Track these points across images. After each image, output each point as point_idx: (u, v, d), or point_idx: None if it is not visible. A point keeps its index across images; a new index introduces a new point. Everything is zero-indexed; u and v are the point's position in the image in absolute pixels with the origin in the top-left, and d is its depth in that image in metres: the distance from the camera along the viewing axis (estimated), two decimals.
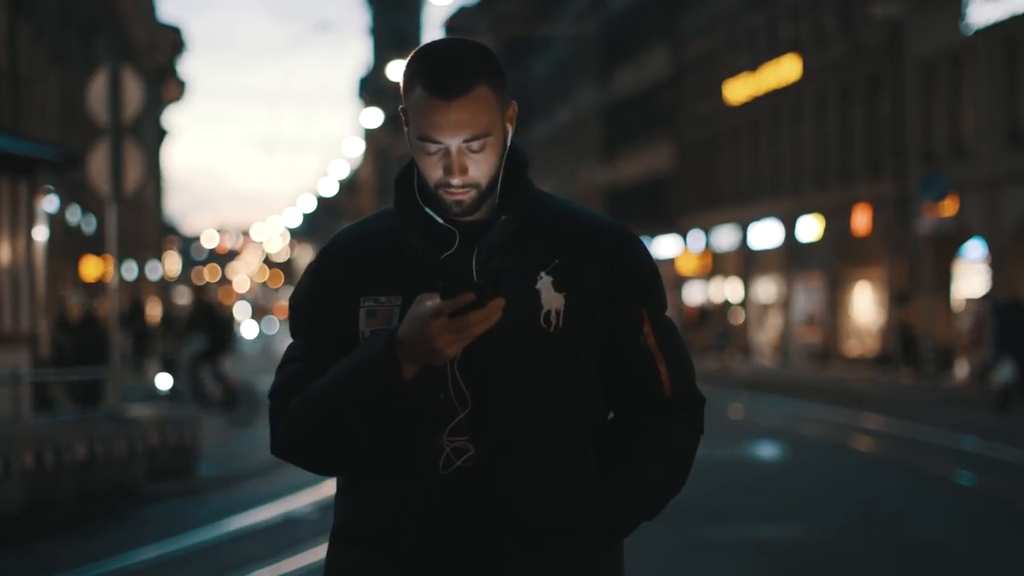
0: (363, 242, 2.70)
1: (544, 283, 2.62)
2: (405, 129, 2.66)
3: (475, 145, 2.58)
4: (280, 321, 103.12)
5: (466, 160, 2.58)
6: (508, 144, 2.66)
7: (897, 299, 33.46)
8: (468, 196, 2.60)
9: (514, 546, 2.58)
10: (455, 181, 2.58)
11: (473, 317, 2.45)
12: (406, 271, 2.63)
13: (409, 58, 2.64)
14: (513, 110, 2.65)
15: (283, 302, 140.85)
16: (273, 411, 2.68)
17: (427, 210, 2.65)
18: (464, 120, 2.56)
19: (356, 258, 2.68)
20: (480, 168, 2.59)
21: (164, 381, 24.68)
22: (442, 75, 2.56)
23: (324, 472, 2.70)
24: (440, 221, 2.64)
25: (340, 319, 2.66)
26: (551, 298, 2.61)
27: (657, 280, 2.72)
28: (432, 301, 2.49)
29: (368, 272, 2.66)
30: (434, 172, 2.60)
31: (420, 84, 2.58)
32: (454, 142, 2.57)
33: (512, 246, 2.63)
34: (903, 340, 32.53)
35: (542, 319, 2.61)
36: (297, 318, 2.73)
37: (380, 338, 2.55)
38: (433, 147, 2.58)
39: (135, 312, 34.96)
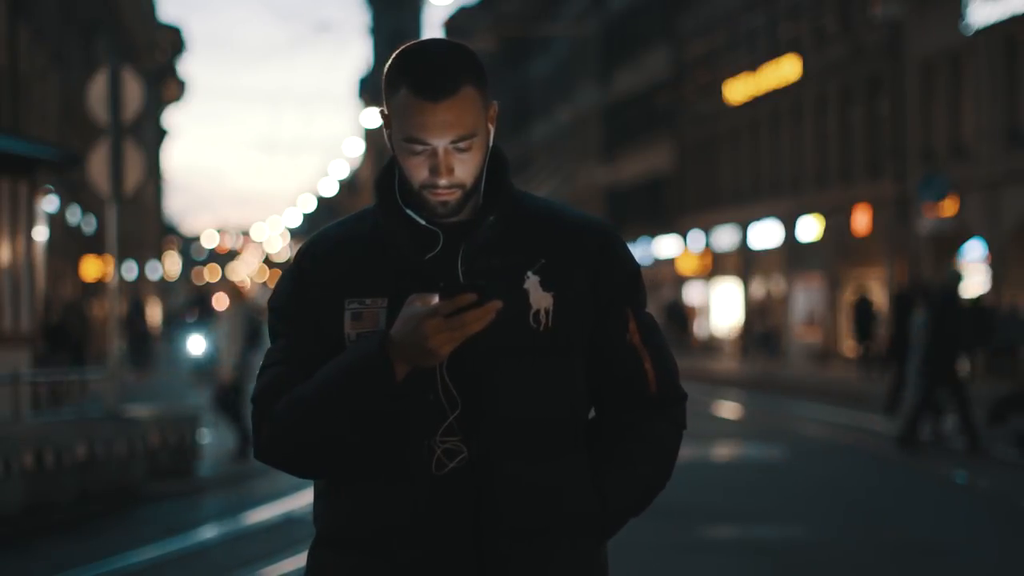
0: (344, 243, 2.68)
1: (531, 283, 2.61)
2: (386, 131, 2.64)
3: (462, 145, 2.57)
4: None
5: (452, 160, 2.57)
6: (491, 144, 2.65)
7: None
8: (454, 197, 2.59)
9: (510, 545, 2.58)
10: (442, 181, 2.57)
11: (468, 316, 2.45)
12: (391, 272, 2.62)
13: (391, 60, 2.62)
14: (494, 110, 2.65)
15: None
16: (256, 416, 2.65)
17: (408, 211, 2.63)
18: (451, 121, 2.55)
19: (338, 259, 2.66)
20: (466, 168, 2.58)
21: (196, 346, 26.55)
22: (429, 76, 2.55)
23: (309, 476, 2.67)
24: (422, 223, 2.62)
25: (323, 321, 2.63)
26: (539, 297, 2.61)
27: (639, 278, 2.73)
28: (425, 301, 2.48)
29: (351, 273, 2.64)
30: (419, 173, 2.58)
31: (405, 86, 2.56)
32: (441, 143, 2.55)
33: (498, 246, 2.62)
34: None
35: (531, 319, 2.60)
36: (277, 321, 2.69)
37: (371, 339, 2.53)
38: (419, 148, 2.57)
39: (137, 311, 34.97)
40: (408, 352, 2.49)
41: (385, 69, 2.63)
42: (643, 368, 2.69)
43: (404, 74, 2.57)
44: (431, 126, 2.55)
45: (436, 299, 2.47)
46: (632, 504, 2.69)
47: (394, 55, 2.62)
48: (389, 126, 2.63)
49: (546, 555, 2.61)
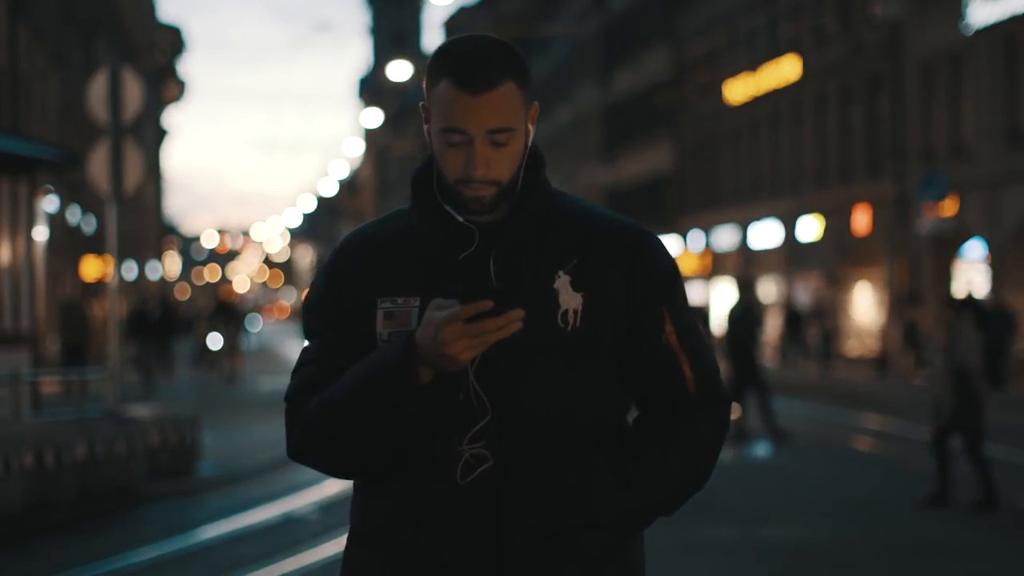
0: (378, 242, 2.67)
1: (562, 282, 2.60)
2: (425, 126, 2.63)
3: (500, 138, 2.56)
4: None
5: (489, 154, 2.56)
6: (529, 144, 2.64)
7: (908, 299, 33.36)
8: (488, 192, 2.58)
9: (532, 549, 2.57)
10: (477, 174, 2.55)
11: (489, 324, 2.44)
12: (424, 271, 2.61)
13: (434, 53, 2.61)
14: (535, 110, 2.64)
15: (282, 302, 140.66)
16: (289, 415, 2.66)
17: (447, 207, 2.62)
18: (490, 111, 2.54)
19: (371, 258, 2.66)
20: (502, 164, 2.57)
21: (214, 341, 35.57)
22: (470, 69, 2.54)
23: (341, 475, 2.68)
24: (460, 219, 2.61)
25: (356, 320, 2.64)
26: (569, 297, 2.59)
27: (677, 278, 2.70)
28: (447, 306, 2.46)
29: (384, 273, 2.64)
30: (455, 166, 2.58)
31: (447, 78, 2.55)
32: (479, 132, 2.54)
33: (530, 245, 2.61)
34: (909, 340, 32.39)
35: (559, 319, 2.59)
36: (311, 320, 2.70)
37: (397, 341, 2.53)
38: (457, 138, 2.56)
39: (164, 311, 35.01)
40: (429, 357, 2.48)
41: (428, 62, 2.62)
42: (680, 369, 2.66)
43: (445, 67, 2.56)
44: (470, 115, 2.54)
45: (457, 304, 2.46)
46: (660, 499, 2.65)
47: (436, 48, 2.62)
48: (428, 120, 2.62)
49: (564, 554, 2.59)
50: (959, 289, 32.28)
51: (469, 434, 2.57)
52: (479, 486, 2.57)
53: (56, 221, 35.13)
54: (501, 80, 2.55)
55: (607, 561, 2.64)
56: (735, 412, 18.52)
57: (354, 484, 2.73)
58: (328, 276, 2.69)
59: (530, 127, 2.63)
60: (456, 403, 2.56)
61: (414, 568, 2.59)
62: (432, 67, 2.59)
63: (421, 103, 2.65)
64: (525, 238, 2.61)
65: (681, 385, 2.66)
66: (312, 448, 2.63)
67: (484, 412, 2.57)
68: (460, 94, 2.54)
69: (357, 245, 2.69)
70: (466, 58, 2.55)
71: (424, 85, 2.62)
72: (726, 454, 16.12)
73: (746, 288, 19.43)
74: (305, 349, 2.71)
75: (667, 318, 2.66)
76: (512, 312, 2.45)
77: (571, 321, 2.59)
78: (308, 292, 2.74)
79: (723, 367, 18.55)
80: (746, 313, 18.89)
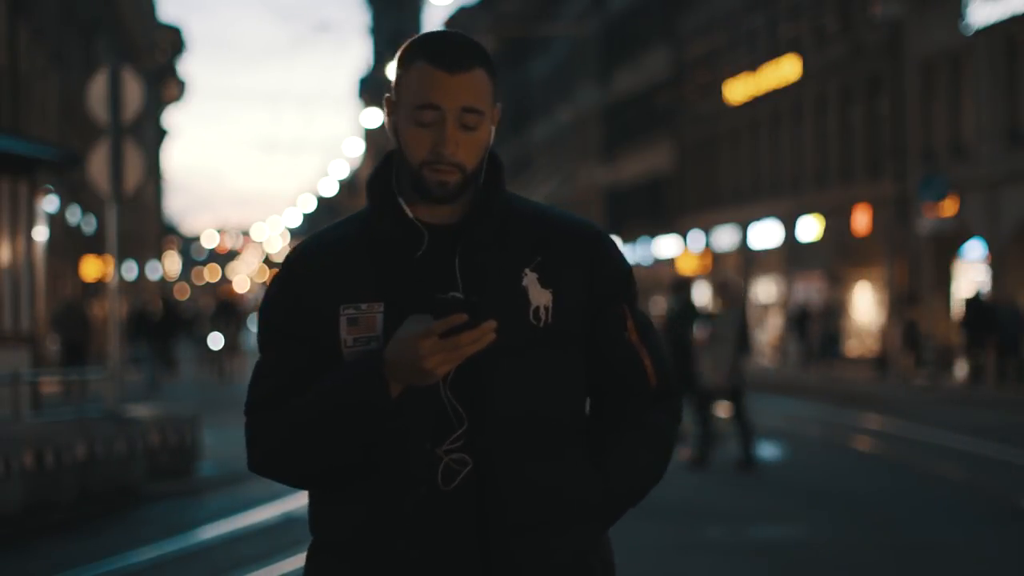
0: (334, 247, 2.65)
1: (530, 279, 2.62)
2: (389, 119, 2.64)
3: (470, 120, 2.57)
4: None
5: (459, 135, 2.57)
6: (491, 141, 2.65)
7: (907, 299, 33.38)
8: (453, 178, 2.57)
9: (515, 541, 2.58)
10: (447, 151, 2.56)
11: (464, 337, 2.45)
12: (385, 275, 2.60)
13: (407, 44, 2.63)
14: (498, 112, 2.65)
15: None
16: (250, 428, 2.63)
17: (400, 201, 2.62)
18: (465, 89, 2.57)
19: (329, 265, 2.63)
20: (469, 150, 2.58)
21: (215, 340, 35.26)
22: (447, 51, 2.58)
23: (307, 488, 2.67)
24: (411, 216, 2.61)
25: (316, 329, 2.61)
26: (538, 294, 2.61)
27: (632, 276, 2.75)
28: (422, 321, 2.47)
29: (343, 278, 2.61)
30: (423, 147, 2.57)
31: (423, 59, 2.58)
32: (453, 109, 2.56)
33: (494, 245, 2.62)
34: (909, 340, 32.43)
35: (531, 315, 2.60)
36: (268, 331, 2.66)
37: (366, 358, 2.53)
38: (429, 116, 2.56)
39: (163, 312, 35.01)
40: (404, 372, 2.48)
41: (399, 53, 2.64)
42: (642, 364, 2.71)
43: (421, 51, 2.59)
44: (445, 92, 2.56)
45: (430, 319, 2.46)
46: (632, 489, 2.70)
47: (409, 41, 2.64)
48: (394, 112, 2.63)
49: (550, 546, 2.61)
50: (961, 289, 32.37)
51: (448, 437, 2.56)
52: (461, 489, 2.57)
53: (56, 221, 35.16)
54: (475, 64, 2.58)
55: (590, 553, 2.67)
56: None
57: (311, 494, 2.69)
58: (283, 284, 2.66)
59: (492, 126, 2.64)
60: (431, 412, 2.55)
61: (388, 569, 2.57)
62: (405, 54, 2.61)
63: (386, 96, 2.66)
64: (487, 238, 2.62)
65: (643, 379, 2.72)
66: (276, 462, 2.61)
67: (459, 417, 2.57)
68: (436, 71, 2.56)
69: (312, 252, 2.66)
70: (442, 42, 2.59)
71: (394, 76, 2.63)
72: (723, 455, 16.13)
73: (682, 289, 19.43)
74: (261, 361, 2.67)
75: (628, 315, 2.71)
76: (486, 324, 2.46)
77: (543, 317, 2.61)
78: (263, 302, 2.68)
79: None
80: (684, 315, 18.90)
